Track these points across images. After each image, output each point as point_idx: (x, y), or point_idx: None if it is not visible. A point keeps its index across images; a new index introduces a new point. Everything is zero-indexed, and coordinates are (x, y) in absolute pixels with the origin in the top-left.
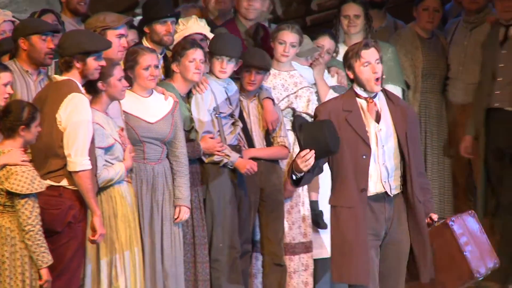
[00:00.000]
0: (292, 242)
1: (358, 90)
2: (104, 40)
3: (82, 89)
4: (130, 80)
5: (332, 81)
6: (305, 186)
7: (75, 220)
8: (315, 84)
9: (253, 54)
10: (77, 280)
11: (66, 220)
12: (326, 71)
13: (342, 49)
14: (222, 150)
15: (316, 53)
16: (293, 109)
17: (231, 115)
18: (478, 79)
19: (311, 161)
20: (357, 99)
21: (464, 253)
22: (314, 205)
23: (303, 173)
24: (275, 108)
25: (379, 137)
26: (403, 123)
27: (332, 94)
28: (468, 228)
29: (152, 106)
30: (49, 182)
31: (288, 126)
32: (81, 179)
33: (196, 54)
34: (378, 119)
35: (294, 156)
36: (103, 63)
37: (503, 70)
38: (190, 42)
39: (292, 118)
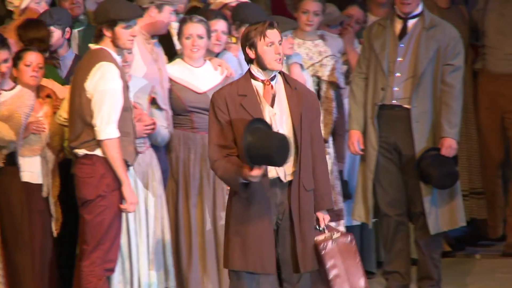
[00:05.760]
0: None
1: (255, 72)
2: (132, 9)
3: (117, 58)
4: None
5: None
6: (333, 155)
7: (109, 189)
8: (344, 53)
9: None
10: (116, 249)
11: (99, 188)
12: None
13: (369, 19)
14: None
15: (345, 21)
16: (318, 78)
17: None
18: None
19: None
20: (253, 82)
21: (329, 277)
22: (340, 174)
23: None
24: (303, 73)
25: (273, 121)
26: (298, 107)
27: None
28: (339, 250)
29: (201, 76)
30: (84, 151)
31: None
32: (106, 147)
33: (218, 26)
34: (273, 103)
35: None
36: (134, 32)
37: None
38: (213, 13)
39: (317, 87)
